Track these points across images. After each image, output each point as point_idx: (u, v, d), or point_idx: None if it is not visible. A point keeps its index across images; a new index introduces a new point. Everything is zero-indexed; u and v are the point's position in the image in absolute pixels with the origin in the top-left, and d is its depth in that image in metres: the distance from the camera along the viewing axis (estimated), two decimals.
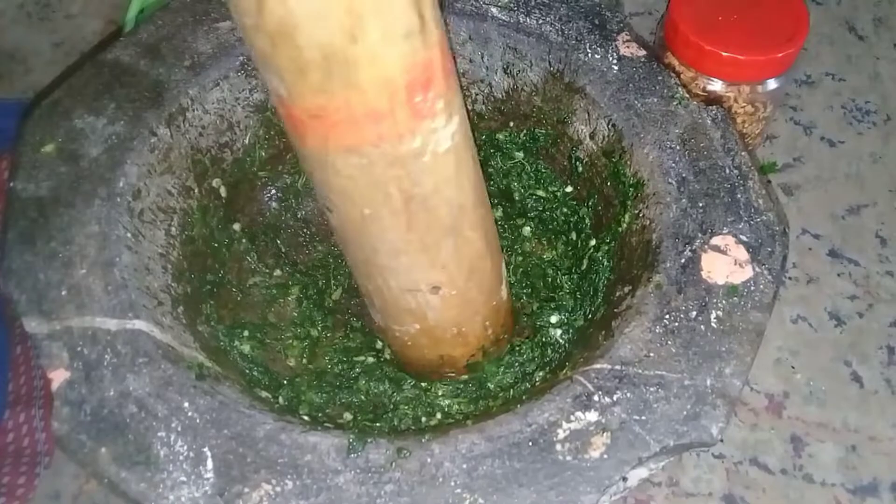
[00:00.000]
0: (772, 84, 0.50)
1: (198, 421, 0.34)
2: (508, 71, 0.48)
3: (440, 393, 0.43)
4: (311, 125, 0.32)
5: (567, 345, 0.45)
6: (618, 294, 0.41)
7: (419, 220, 0.36)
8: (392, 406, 0.43)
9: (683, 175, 0.41)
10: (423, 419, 0.43)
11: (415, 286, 0.39)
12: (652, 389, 0.34)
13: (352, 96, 0.30)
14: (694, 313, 0.37)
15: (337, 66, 0.29)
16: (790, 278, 0.56)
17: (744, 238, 0.39)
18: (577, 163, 0.48)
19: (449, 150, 0.34)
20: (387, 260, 0.38)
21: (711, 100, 0.50)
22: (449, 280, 0.39)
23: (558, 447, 0.33)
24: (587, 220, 0.48)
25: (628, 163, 0.43)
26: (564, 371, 0.37)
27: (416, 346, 0.44)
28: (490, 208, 0.41)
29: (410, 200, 0.35)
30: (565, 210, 0.49)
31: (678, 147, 0.42)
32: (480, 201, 0.39)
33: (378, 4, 0.28)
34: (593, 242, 0.46)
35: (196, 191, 0.45)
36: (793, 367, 0.53)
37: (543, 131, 0.49)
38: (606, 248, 0.45)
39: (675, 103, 0.44)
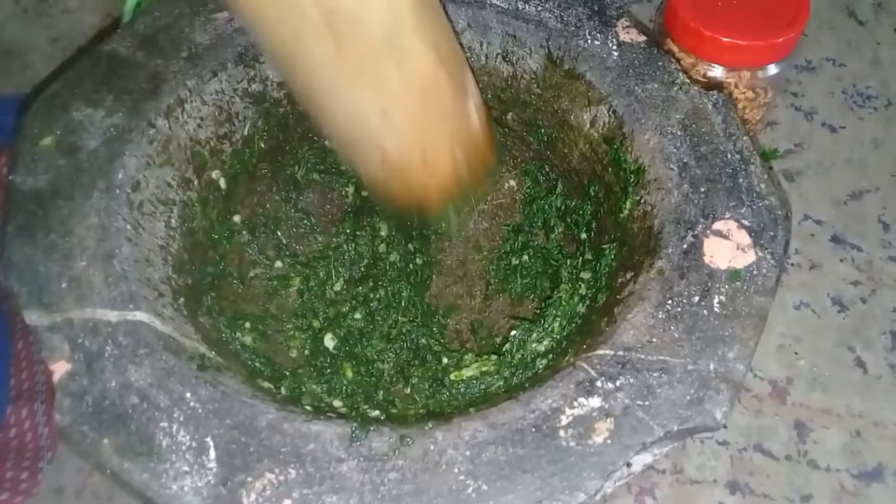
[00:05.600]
0: (772, 69, 0.50)
1: (200, 411, 0.34)
2: (508, 58, 0.48)
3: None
4: None
5: (568, 332, 0.44)
6: (620, 280, 0.40)
7: (346, 37, 0.33)
8: None
9: (685, 160, 0.41)
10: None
11: (363, 114, 0.37)
12: (655, 374, 0.34)
13: None
14: (696, 298, 0.36)
15: None
16: (793, 264, 0.56)
17: (746, 222, 0.39)
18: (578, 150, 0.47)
19: None
20: (325, 86, 0.35)
21: (712, 86, 0.49)
22: (397, 100, 0.37)
23: (562, 433, 0.33)
24: (588, 207, 0.48)
25: (629, 149, 0.43)
26: (567, 358, 0.37)
27: (388, 183, 0.41)
28: (442, 12, 0.37)
29: (331, 14, 0.32)
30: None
31: (679, 132, 0.42)
32: (424, 2, 0.35)
33: None
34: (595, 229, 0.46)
35: (195, 182, 0.45)
36: (796, 354, 0.52)
37: (543, 118, 0.49)
38: (608, 234, 0.44)
39: (675, 89, 0.44)
